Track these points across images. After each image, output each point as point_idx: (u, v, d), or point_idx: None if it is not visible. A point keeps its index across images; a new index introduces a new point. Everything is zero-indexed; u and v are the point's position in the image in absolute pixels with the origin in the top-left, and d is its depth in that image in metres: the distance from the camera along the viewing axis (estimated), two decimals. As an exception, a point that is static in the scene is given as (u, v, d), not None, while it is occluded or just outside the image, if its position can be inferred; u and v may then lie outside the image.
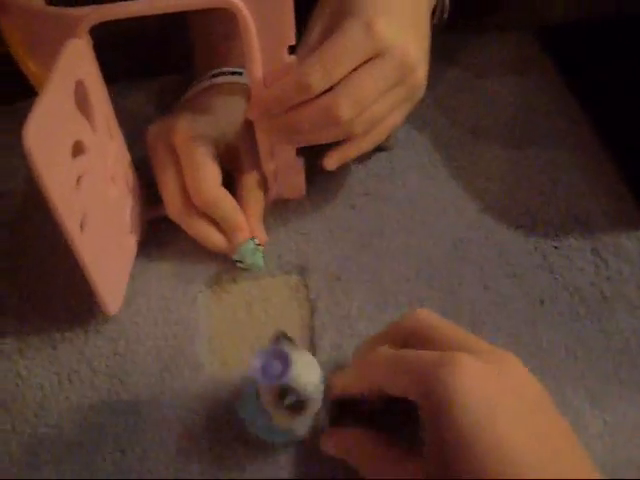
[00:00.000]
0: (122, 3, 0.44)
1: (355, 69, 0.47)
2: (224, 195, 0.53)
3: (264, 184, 0.56)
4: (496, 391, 0.35)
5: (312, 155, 0.54)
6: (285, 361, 0.36)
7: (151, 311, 0.52)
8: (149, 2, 0.44)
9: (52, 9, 0.45)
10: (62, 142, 0.43)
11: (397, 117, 0.52)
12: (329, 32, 0.48)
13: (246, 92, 0.56)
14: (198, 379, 0.49)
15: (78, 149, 0.45)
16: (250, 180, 0.55)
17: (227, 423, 0.46)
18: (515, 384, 0.36)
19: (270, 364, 0.37)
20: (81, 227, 0.45)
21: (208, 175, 0.52)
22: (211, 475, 0.44)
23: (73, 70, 0.44)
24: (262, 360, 0.37)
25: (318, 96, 0.47)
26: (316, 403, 0.40)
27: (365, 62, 0.47)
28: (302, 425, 0.41)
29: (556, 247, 0.55)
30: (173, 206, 0.53)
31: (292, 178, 0.56)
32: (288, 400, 0.37)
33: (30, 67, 0.48)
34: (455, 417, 0.34)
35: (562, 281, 0.52)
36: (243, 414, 0.45)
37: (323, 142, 0.51)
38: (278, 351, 0.37)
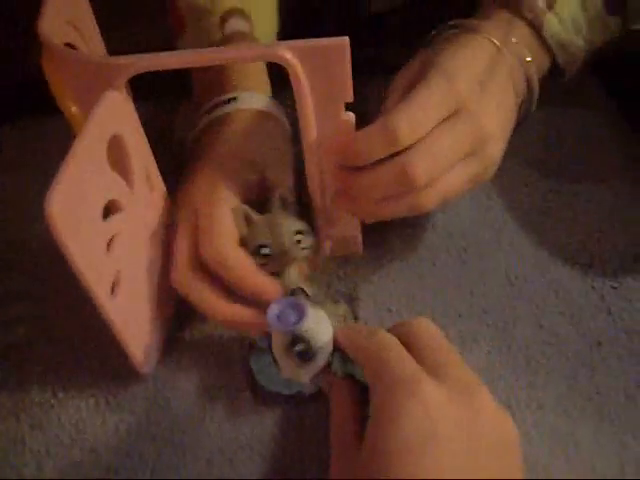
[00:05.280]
0: (166, 54, 0.42)
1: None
2: (240, 255, 0.47)
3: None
4: (444, 420, 0.34)
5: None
6: (300, 311, 0.38)
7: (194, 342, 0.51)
8: (192, 55, 0.42)
9: (93, 57, 0.43)
10: (92, 205, 0.40)
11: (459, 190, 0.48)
12: (414, 84, 0.46)
13: (256, 116, 0.54)
14: (240, 410, 0.47)
15: (113, 208, 0.43)
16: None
17: (269, 457, 0.45)
18: (470, 419, 0.35)
19: (286, 312, 0.39)
20: (113, 289, 0.43)
21: (223, 231, 0.47)
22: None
23: (107, 125, 0.41)
24: (279, 307, 0.39)
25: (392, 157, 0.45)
26: (324, 357, 0.41)
27: (442, 122, 0.45)
28: (308, 376, 0.41)
29: (614, 287, 0.52)
30: (180, 269, 0.47)
31: (348, 235, 0.53)
32: (298, 347, 0.39)
33: (69, 109, 0.45)
34: (391, 434, 0.34)
35: (621, 323, 0.50)
36: (254, 365, 0.46)
37: (388, 216, 0.48)
38: (295, 302, 0.39)
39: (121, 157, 0.44)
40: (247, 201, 0.49)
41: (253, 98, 0.55)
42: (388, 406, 0.35)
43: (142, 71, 0.42)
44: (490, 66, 0.48)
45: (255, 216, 0.46)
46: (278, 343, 0.40)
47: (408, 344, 0.39)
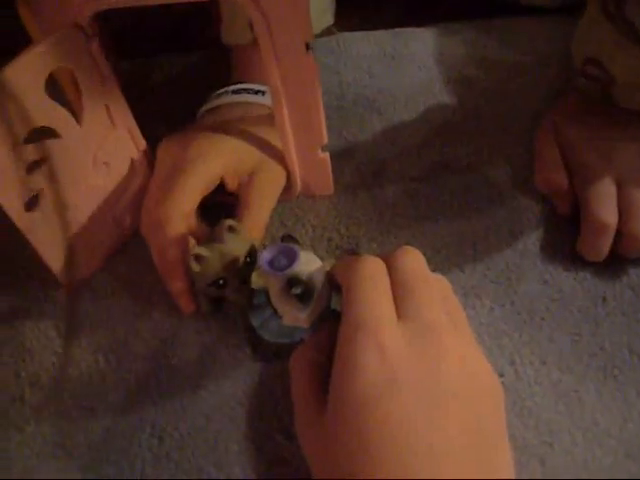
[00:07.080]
0: None
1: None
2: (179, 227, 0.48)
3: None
4: (403, 365, 0.33)
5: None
6: (292, 254, 0.38)
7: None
8: None
9: None
10: (15, 127, 0.42)
11: None
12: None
13: (265, 114, 0.54)
14: (239, 367, 0.47)
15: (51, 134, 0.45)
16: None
17: (268, 413, 0.45)
18: (431, 363, 0.33)
19: (278, 258, 0.39)
20: (31, 206, 0.46)
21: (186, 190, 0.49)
22: (251, 467, 0.43)
23: (52, 57, 0.43)
24: (271, 254, 0.39)
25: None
26: (320, 295, 0.40)
27: None
28: (309, 320, 0.41)
29: (620, 242, 0.52)
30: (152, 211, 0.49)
31: (318, 175, 0.55)
32: (295, 290, 0.39)
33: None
34: (348, 384, 0.33)
35: (626, 279, 0.49)
36: (255, 322, 0.45)
37: None
38: (285, 246, 0.39)
39: (76, 92, 0.47)
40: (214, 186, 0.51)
41: None
42: (349, 351, 0.34)
43: (102, 8, 0.43)
44: None
45: (205, 253, 0.45)
46: (275, 289, 0.40)
47: (391, 276, 0.37)
